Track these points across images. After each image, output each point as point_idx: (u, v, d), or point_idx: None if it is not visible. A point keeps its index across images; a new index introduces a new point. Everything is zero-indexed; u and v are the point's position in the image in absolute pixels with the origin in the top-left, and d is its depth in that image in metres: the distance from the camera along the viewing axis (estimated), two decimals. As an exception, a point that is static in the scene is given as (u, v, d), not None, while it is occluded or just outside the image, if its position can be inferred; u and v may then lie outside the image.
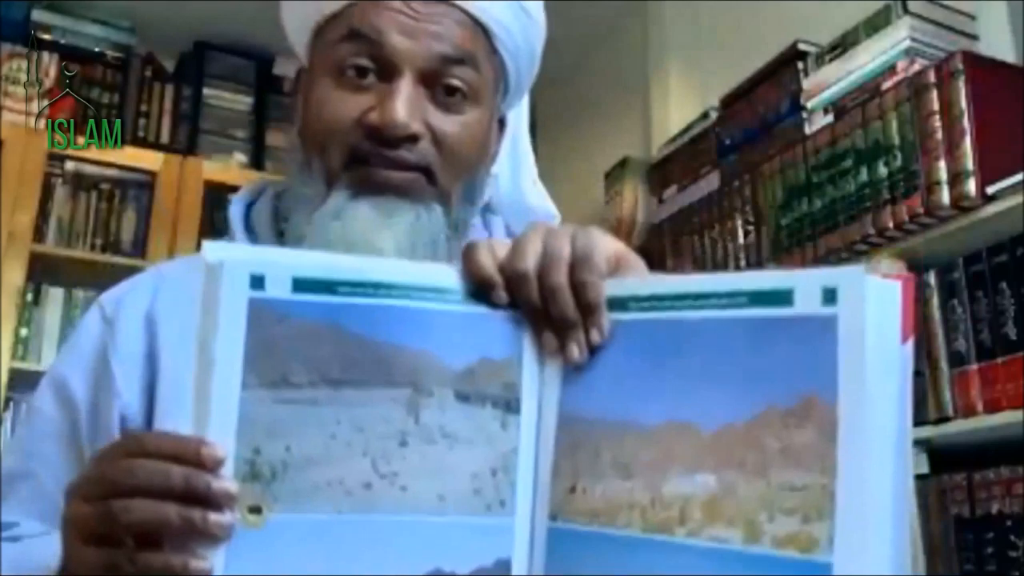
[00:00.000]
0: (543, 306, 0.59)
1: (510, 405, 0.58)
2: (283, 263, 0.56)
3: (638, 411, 0.56)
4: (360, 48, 0.80)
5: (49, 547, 0.63)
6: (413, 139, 0.80)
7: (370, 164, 0.80)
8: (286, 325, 0.55)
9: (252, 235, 0.88)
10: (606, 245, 0.61)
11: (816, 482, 0.49)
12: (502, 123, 0.92)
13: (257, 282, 0.55)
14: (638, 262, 0.64)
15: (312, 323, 0.55)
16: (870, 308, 0.50)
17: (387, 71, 0.80)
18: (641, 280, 0.61)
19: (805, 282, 0.52)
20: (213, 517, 0.53)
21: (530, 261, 0.59)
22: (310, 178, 0.82)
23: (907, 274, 0.54)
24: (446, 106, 0.81)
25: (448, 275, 0.60)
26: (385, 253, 0.78)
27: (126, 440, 0.63)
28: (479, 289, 0.60)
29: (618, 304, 0.58)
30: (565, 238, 0.60)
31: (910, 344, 0.51)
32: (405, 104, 0.78)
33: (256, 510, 0.54)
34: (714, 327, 0.55)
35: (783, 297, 0.52)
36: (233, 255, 0.55)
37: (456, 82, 0.81)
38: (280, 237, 0.86)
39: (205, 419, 0.53)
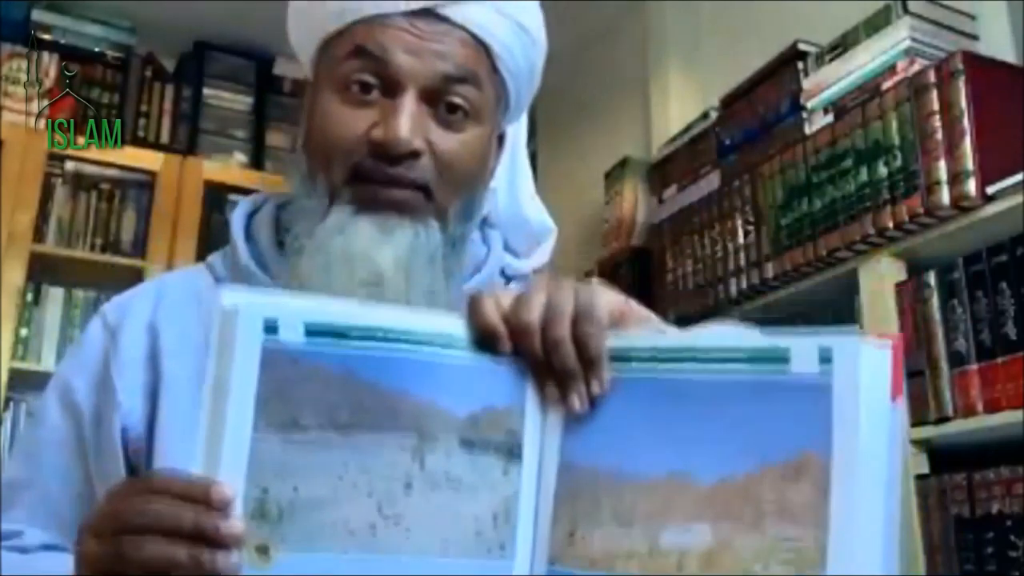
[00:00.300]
0: (546, 358, 0.61)
1: (512, 452, 0.60)
2: (296, 309, 0.58)
3: (637, 462, 0.58)
4: (365, 65, 0.82)
5: (57, 568, 0.64)
6: (415, 155, 0.81)
7: (372, 181, 0.81)
8: (298, 369, 0.56)
9: (253, 244, 0.89)
10: (608, 299, 0.63)
11: (810, 535, 0.52)
12: (501, 138, 0.93)
13: (271, 327, 0.56)
14: (640, 312, 0.66)
15: (323, 368, 0.57)
16: (863, 370, 0.52)
17: (391, 88, 0.82)
18: (642, 335, 0.63)
19: (801, 345, 0.54)
20: (221, 557, 0.54)
21: (534, 314, 0.61)
22: (313, 191, 0.84)
23: (897, 336, 0.56)
24: (448, 123, 0.83)
25: (454, 325, 0.62)
26: (384, 268, 0.80)
27: (138, 479, 0.65)
28: (484, 340, 0.62)
29: (619, 357, 0.61)
30: (569, 292, 0.62)
31: (899, 403, 0.54)
32: (408, 121, 0.80)
33: (263, 550, 0.55)
34: (713, 383, 0.57)
35: (780, 358, 0.55)
36: (248, 300, 0.57)
37: (458, 100, 0.83)
38: (280, 247, 0.87)
39: (216, 459, 0.55)
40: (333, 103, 0.83)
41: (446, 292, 0.83)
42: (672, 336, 0.63)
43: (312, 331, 0.57)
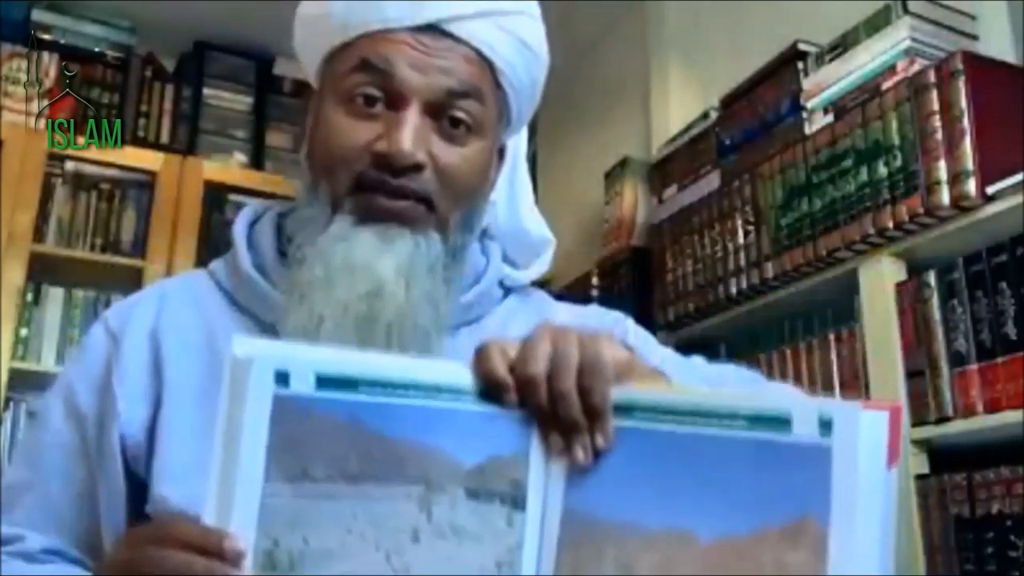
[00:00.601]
0: (551, 409, 0.62)
1: (516, 502, 0.62)
2: (307, 360, 0.59)
3: (640, 515, 0.59)
4: (370, 78, 0.83)
5: None
6: (417, 168, 0.82)
7: (374, 192, 0.82)
8: (309, 420, 0.57)
9: (254, 252, 0.90)
10: (613, 352, 0.64)
11: None
12: (501, 151, 0.95)
13: (282, 378, 0.57)
14: (643, 367, 0.67)
15: (333, 419, 0.58)
16: (865, 438, 0.53)
17: (395, 101, 0.83)
18: (646, 390, 0.63)
19: (802, 411, 0.55)
20: None
21: (540, 365, 0.62)
22: (316, 200, 0.85)
23: (895, 404, 0.58)
24: (450, 137, 0.85)
25: (461, 375, 0.63)
26: (385, 277, 0.81)
27: (152, 526, 0.66)
28: (490, 391, 0.63)
29: (623, 410, 0.62)
30: (574, 343, 0.63)
31: (895, 469, 0.55)
32: (411, 134, 0.82)
33: None
34: (716, 442, 0.58)
35: (781, 423, 0.56)
36: (260, 350, 0.58)
37: (461, 114, 0.85)
38: (282, 257, 0.88)
39: (228, 510, 0.56)
40: (338, 115, 0.84)
41: (446, 301, 0.84)
42: (675, 394, 0.64)
43: (323, 382, 0.58)
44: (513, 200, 1.00)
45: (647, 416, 0.61)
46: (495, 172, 0.93)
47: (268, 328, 0.85)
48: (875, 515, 0.54)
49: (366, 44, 0.84)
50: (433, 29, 0.84)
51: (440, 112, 0.84)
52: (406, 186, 0.82)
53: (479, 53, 0.86)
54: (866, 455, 0.54)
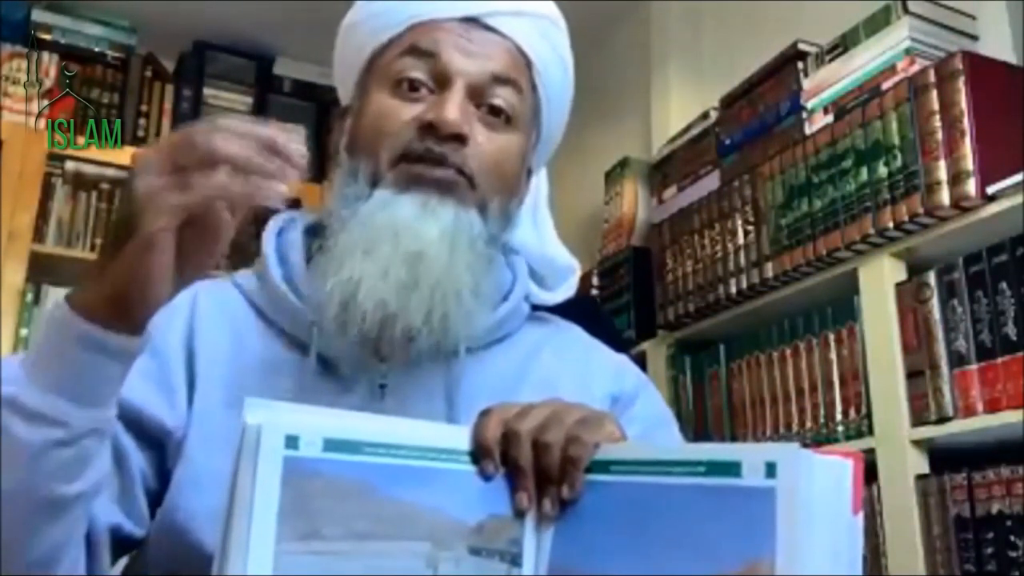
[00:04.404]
0: (531, 462, 0.65)
1: (515, 559, 0.65)
2: (316, 426, 0.61)
3: (613, 565, 0.62)
4: (417, 63, 0.87)
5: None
6: (461, 140, 0.84)
7: (415, 161, 0.84)
8: (318, 482, 0.60)
9: (284, 265, 0.90)
10: (612, 429, 0.67)
11: None
12: (528, 173, 0.96)
13: (292, 442, 0.60)
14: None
15: (342, 480, 0.61)
16: (817, 482, 0.56)
17: (440, 83, 0.86)
18: (621, 446, 0.67)
19: (751, 456, 0.59)
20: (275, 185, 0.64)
21: (528, 424, 0.65)
22: (354, 182, 0.86)
23: (856, 452, 0.61)
24: (490, 125, 0.87)
25: (460, 438, 0.67)
26: (430, 240, 0.81)
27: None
28: (480, 456, 0.66)
29: (602, 467, 0.65)
30: (576, 410, 0.67)
31: (860, 516, 0.58)
32: (457, 107, 0.84)
33: None
34: (678, 491, 0.61)
35: (733, 469, 0.59)
36: (271, 417, 0.60)
37: (500, 102, 0.88)
38: (309, 264, 0.88)
39: (243, 568, 0.57)
40: (383, 98, 0.87)
41: (485, 279, 0.85)
42: (647, 448, 0.68)
43: (331, 445, 0.61)
44: (537, 229, 1.01)
45: (622, 471, 0.64)
46: (525, 185, 0.95)
47: (296, 343, 0.85)
48: (843, 559, 0.57)
49: (414, 33, 0.88)
50: (478, 23, 0.88)
51: (481, 97, 0.87)
52: (449, 155, 0.84)
53: (519, 49, 0.90)
54: (824, 500, 0.56)
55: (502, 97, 0.88)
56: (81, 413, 0.65)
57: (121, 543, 0.79)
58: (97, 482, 0.70)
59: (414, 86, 0.86)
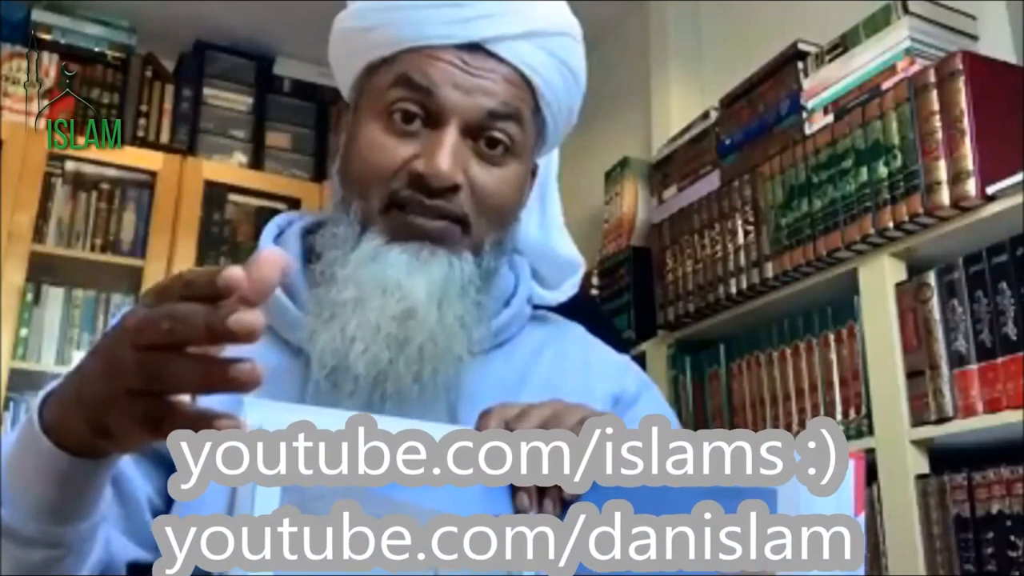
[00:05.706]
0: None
1: None
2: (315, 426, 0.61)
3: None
4: (410, 95, 0.81)
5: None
6: (454, 190, 0.81)
7: (407, 211, 0.81)
8: (317, 487, 0.59)
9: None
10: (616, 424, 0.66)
11: None
12: (534, 171, 0.93)
13: None
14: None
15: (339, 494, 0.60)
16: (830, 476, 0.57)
17: (434, 120, 0.81)
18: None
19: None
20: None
21: (528, 425, 0.65)
22: (346, 218, 0.83)
23: (859, 453, 0.60)
24: (488, 159, 0.83)
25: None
26: (418, 299, 0.79)
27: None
28: None
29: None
30: (577, 410, 0.66)
31: (862, 517, 0.58)
32: (450, 155, 0.80)
33: None
34: (679, 492, 0.61)
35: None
36: (271, 417, 0.59)
37: (499, 135, 0.83)
38: (307, 266, 0.87)
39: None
40: (374, 130, 0.83)
41: (478, 325, 0.82)
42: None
43: None
44: (544, 219, 0.98)
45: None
46: (528, 191, 0.92)
47: (294, 349, 0.84)
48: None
49: (407, 59, 0.82)
50: (476, 48, 0.82)
51: (479, 133, 0.82)
52: (442, 207, 0.80)
53: (521, 75, 0.84)
54: (827, 499, 0.57)
55: (501, 131, 0.83)
56: (74, 528, 0.65)
57: (144, 571, 0.79)
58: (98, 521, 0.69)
59: (407, 118, 0.82)
